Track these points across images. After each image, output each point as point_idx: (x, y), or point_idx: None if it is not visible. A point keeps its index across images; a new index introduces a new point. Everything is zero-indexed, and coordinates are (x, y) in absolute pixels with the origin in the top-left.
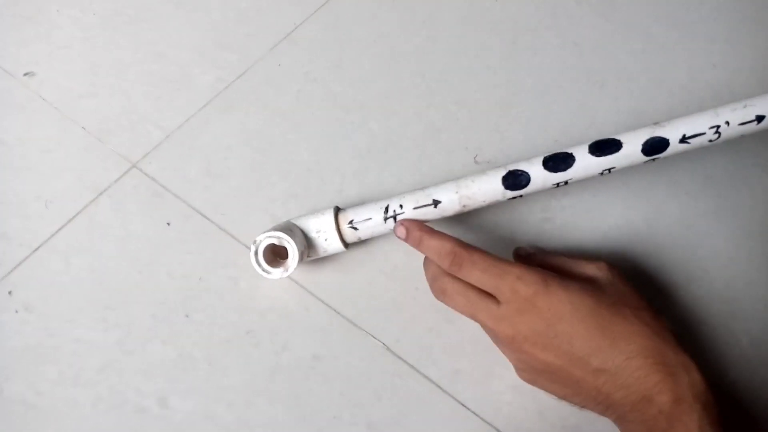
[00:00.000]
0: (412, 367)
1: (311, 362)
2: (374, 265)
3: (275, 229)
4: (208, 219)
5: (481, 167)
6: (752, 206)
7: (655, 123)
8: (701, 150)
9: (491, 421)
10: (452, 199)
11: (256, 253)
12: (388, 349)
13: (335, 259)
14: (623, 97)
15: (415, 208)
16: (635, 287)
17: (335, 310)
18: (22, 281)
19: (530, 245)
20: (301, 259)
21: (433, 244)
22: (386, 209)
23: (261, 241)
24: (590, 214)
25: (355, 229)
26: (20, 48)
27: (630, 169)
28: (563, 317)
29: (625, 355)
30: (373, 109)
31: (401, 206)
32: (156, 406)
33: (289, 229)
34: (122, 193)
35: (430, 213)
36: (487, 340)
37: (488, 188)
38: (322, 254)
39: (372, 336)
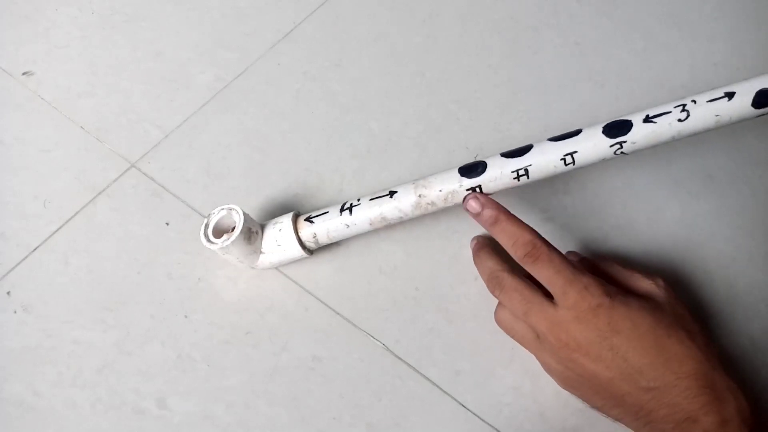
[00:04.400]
0: (412, 367)
1: (311, 363)
2: (374, 265)
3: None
4: None
5: None
6: (754, 206)
7: None
8: (702, 149)
9: (492, 422)
10: (407, 188)
11: (206, 226)
12: (388, 349)
13: (335, 260)
14: (624, 97)
15: (371, 199)
16: (690, 308)
17: (335, 311)
18: (20, 282)
19: (575, 252)
20: (249, 239)
21: (512, 229)
22: (343, 204)
23: (214, 213)
24: (592, 214)
25: (312, 222)
26: (18, 47)
27: (631, 169)
28: (621, 332)
29: (676, 375)
30: (373, 108)
31: (358, 200)
32: (155, 407)
33: (248, 219)
34: (121, 192)
35: (385, 203)
36: (487, 341)
37: (444, 176)
38: (275, 248)
39: (372, 336)
